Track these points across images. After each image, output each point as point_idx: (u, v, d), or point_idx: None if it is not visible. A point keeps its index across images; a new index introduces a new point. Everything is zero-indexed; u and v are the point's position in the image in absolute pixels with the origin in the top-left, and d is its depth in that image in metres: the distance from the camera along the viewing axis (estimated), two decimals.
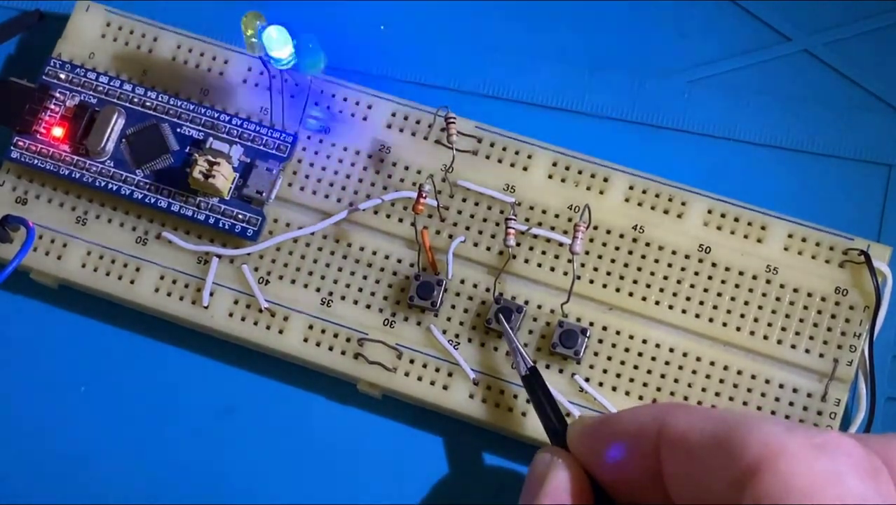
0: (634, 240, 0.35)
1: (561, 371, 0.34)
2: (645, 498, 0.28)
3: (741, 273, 0.34)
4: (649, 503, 0.28)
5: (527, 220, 0.35)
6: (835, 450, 0.23)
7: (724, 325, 0.34)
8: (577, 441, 0.30)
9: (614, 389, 0.34)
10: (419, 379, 0.35)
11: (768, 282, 0.34)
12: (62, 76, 0.37)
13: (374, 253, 0.36)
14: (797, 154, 0.37)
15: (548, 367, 0.34)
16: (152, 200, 0.36)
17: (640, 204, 0.35)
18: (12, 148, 0.37)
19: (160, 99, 0.37)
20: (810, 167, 0.37)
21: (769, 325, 0.34)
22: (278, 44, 0.34)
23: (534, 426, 0.33)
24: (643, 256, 0.35)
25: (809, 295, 0.34)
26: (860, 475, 0.23)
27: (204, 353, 0.37)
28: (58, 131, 0.37)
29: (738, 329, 0.34)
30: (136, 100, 0.37)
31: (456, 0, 0.39)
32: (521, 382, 0.33)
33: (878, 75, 0.38)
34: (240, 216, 0.36)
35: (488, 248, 0.35)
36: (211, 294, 0.36)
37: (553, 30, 0.39)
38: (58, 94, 0.37)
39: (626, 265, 0.35)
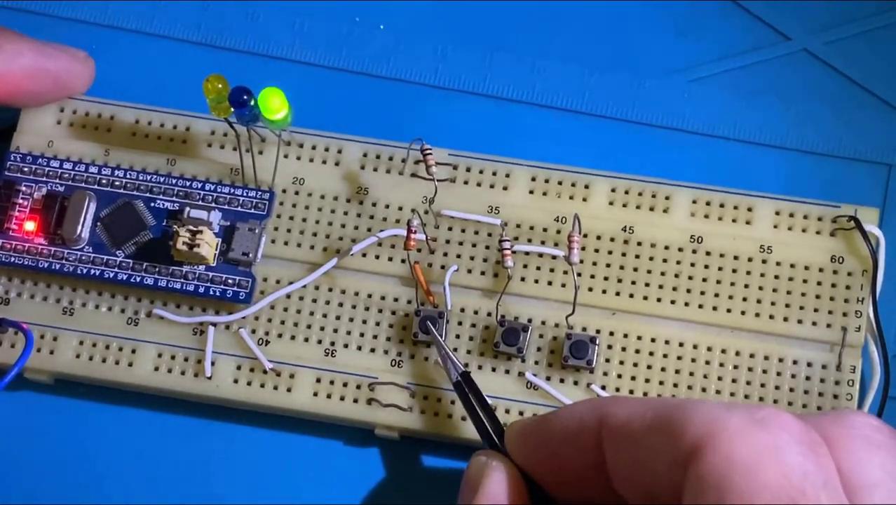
0: (626, 241, 0.35)
1: (576, 383, 0.34)
2: (588, 493, 0.28)
3: (736, 257, 0.35)
4: (592, 498, 0.28)
5: (516, 238, 0.35)
6: (774, 425, 0.24)
7: (729, 311, 0.34)
8: (516, 443, 0.30)
9: (632, 392, 0.34)
10: (436, 414, 0.34)
11: (764, 262, 0.34)
12: (25, 169, 0.36)
13: (370, 296, 0.35)
14: (797, 154, 0.38)
15: (562, 381, 0.34)
16: (137, 279, 0.35)
17: (624, 205, 0.35)
18: None
19: (128, 176, 0.36)
20: (810, 167, 0.37)
21: (772, 304, 0.34)
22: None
23: None
24: (637, 256, 0.35)
25: (806, 268, 0.34)
26: (800, 448, 0.24)
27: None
28: (30, 225, 0.36)
29: (743, 313, 0.34)
30: (104, 181, 0.36)
31: (456, 0, 0.40)
32: (524, 398, 0.33)
33: (878, 75, 0.38)
34: (229, 281, 0.35)
35: (482, 273, 0.35)
36: (212, 364, 0.35)
37: (553, 30, 0.39)
38: (23, 188, 0.36)
39: (621, 267, 0.35)
